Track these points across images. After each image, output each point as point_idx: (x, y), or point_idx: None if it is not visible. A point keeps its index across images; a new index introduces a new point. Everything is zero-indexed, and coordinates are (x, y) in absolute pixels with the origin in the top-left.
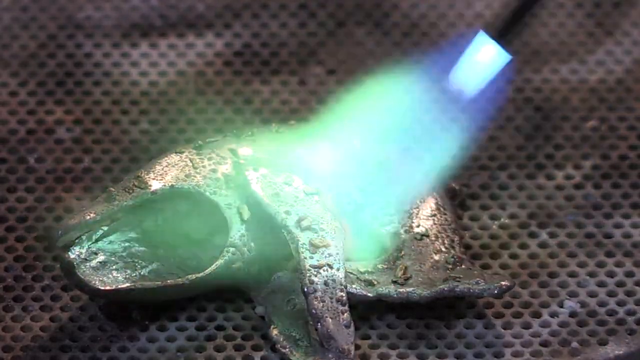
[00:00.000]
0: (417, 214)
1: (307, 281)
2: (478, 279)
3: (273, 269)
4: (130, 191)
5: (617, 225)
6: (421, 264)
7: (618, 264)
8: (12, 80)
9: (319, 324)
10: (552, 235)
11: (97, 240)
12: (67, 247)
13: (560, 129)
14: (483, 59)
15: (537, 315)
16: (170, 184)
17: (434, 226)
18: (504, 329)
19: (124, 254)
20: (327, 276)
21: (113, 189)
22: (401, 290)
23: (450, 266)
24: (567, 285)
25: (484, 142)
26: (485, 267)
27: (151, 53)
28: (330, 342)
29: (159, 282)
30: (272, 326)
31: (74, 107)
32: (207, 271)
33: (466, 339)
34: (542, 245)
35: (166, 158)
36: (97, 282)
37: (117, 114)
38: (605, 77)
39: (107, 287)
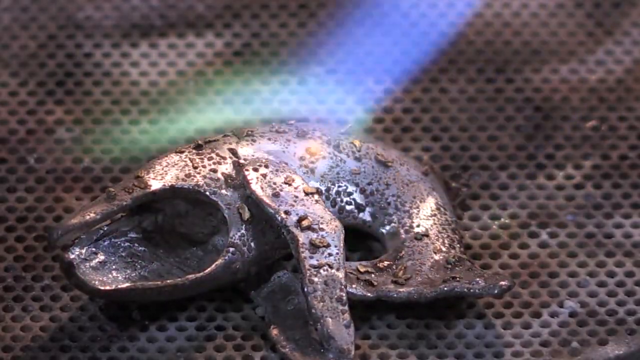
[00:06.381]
0: (417, 213)
1: (307, 281)
2: (478, 279)
3: (273, 269)
4: (130, 191)
5: (618, 225)
6: (421, 264)
7: (618, 264)
8: (12, 80)
9: (319, 324)
10: (552, 235)
11: (97, 240)
12: (67, 247)
13: (561, 129)
14: None
15: (537, 315)
16: (170, 184)
17: (434, 226)
18: (504, 329)
19: (124, 254)
20: (327, 276)
21: (113, 189)
22: (401, 290)
23: (450, 266)
24: (567, 285)
25: (484, 142)
26: (485, 267)
27: (151, 53)
28: (330, 342)
29: (159, 282)
30: (272, 326)
31: (74, 107)
32: (207, 271)
33: (466, 339)
34: (543, 245)
35: (166, 158)
36: (97, 282)
37: (117, 114)
38: (605, 77)
39: (107, 287)
